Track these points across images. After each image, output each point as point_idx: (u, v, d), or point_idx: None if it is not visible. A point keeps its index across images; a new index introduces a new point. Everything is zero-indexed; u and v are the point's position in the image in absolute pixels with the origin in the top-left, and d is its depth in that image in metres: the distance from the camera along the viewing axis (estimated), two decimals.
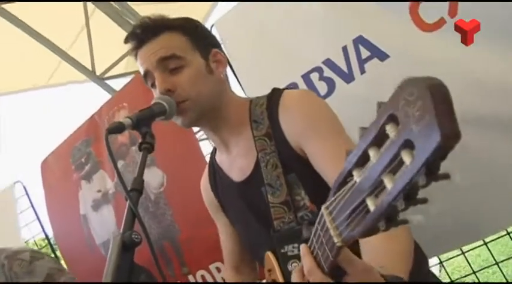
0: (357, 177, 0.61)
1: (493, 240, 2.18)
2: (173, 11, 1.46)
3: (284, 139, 1.27)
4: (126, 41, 1.38)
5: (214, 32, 2.38)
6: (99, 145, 2.88)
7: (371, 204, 0.58)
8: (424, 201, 0.55)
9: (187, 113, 1.30)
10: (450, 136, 0.46)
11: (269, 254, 1.28)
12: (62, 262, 3.16)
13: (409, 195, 0.53)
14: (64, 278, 2.04)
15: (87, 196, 2.92)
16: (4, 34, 4.56)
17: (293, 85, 2.08)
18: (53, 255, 3.67)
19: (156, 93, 1.31)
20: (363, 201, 0.60)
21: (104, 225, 2.84)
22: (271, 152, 1.28)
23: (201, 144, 2.64)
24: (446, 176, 0.51)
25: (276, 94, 1.35)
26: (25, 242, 3.77)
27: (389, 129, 0.54)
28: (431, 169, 0.49)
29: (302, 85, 2.07)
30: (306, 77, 2.07)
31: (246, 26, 2.25)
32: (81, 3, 4.61)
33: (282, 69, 2.12)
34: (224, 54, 1.44)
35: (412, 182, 0.51)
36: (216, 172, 1.50)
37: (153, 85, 1.33)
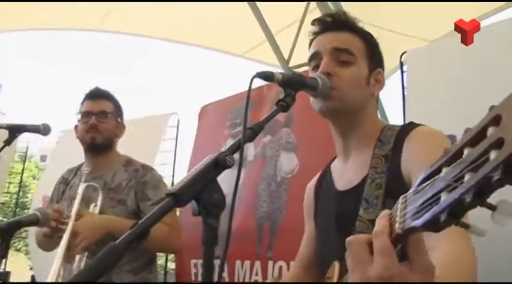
0: (443, 172, 0.62)
1: None
2: None
3: (398, 164, 1.28)
4: (313, 23, 1.50)
5: (403, 58, 2.42)
6: (257, 113, 3.01)
7: (443, 196, 0.59)
8: (492, 207, 0.54)
9: (332, 100, 1.36)
10: None
11: (336, 264, 1.29)
12: None
13: (481, 192, 0.53)
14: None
15: None
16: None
17: (451, 138, 2.02)
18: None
19: (313, 74, 1.39)
20: (437, 194, 0.60)
21: (229, 183, 2.97)
22: (381, 172, 1.30)
23: None
24: None
25: (411, 125, 1.38)
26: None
27: (490, 130, 0.55)
28: (510, 170, 0.49)
29: None
30: None
31: (433, 65, 2.25)
32: None
33: (449, 115, 2.07)
34: (383, 76, 1.49)
35: (487, 176, 0.51)
36: (325, 177, 1.56)
37: (314, 68, 1.43)
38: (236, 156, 1.02)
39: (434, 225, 0.60)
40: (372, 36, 1.50)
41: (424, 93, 2.28)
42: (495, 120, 0.54)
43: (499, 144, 0.52)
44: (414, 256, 0.72)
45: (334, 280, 1.26)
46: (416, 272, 0.71)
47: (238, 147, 1.04)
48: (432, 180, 0.64)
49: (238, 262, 2.85)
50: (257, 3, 4.68)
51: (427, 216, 0.60)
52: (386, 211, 0.76)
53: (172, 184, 4.12)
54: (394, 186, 1.26)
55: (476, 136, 0.57)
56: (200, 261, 3.07)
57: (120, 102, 2.59)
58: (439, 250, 1.05)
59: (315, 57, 1.44)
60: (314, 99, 1.40)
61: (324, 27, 1.46)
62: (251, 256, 2.80)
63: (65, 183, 2.56)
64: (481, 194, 0.53)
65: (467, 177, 0.55)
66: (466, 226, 0.58)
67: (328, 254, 1.41)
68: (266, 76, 1.20)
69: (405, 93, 2.43)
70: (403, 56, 2.42)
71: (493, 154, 0.52)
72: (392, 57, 2.53)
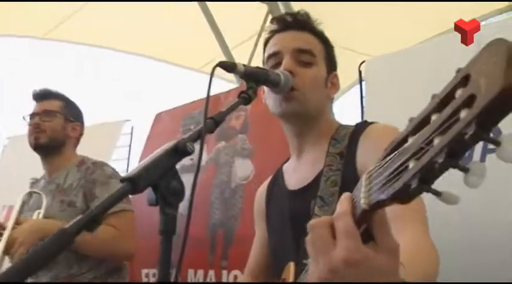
0: (409, 142, 0.60)
1: None
2: None
3: (354, 161, 1.28)
4: (272, 21, 1.49)
5: (362, 67, 2.43)
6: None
7: (411, 163, 0.55)
8: (465, 169, 0.51)
9: (293, 102, 1.35)
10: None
11: (291, 265, 1.27)
12: None
13: (454, 152, 0.50)
14: (123, 206, 2.16)
15: None
16: (186, 12, 4.79)
17: None
18: None
19: None
20: (405, 163, 0.57)
21: None
22: (336, 169, 1.29)
23: None
24: (496, 142, 0.49)
25: (365, 123, 1.38)
26: None
27: (458, 92, 0.52)
28: (484, 124, 0.47)
29: None
30: None
31: (393, 75, 2.27)
32: (265, 12, 4.77)
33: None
34: (338, 80, 1.49)
35: (461, 133, 0.48)
36: (277, 179, 1.54)
37: (273, 67, 1.40)
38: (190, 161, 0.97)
39: (403, 194, 0.56)
40: (330, 41, 1.50)
41: (384, 103, 2.28)
42: (463, 81, 0.52)
43: (469, 101, 0.49)
44: (379, 235, 0.67)
45: (290, 280, 1.23)
46: (382, 253, 0.66)
47: (198, 136, 1.00)
48: (397, 151, 0.61)
49: (190, 271, 2.77)
50: (215, 18, 4.68)
51: (395, 185, 0.57)
52: (347, 193, 0.72)
53: None
54: (350, 183, 1.22)
55: (444, 101, 0.55)
56: (152, 271, 2.97)
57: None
58: (399, 240, 1.03)
59: (275, 56, 1.41)
60: (274, 102, 1.38)
61: (284, 25, 1.45)
62: (204, 265, 2.72)
63: (29, 194, 2.45)
64: (454, 154, 0.51)
65: (437, 140, 0.53)
66: (437, 193, 0.55)
67: (283, 255, 1.38)
68: (228, 66, 1.18)
69: (364, 103, 2.44)
70: (361, 66, 2.44)
71: (463, 113, 0.49)
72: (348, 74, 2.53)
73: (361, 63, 2.43)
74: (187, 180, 2.97)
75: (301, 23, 1.44)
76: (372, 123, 1.37)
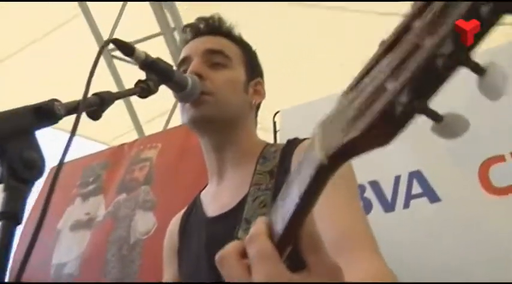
0: (381, 64, 0.43)
1: None
2: None
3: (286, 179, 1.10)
4: (185, 29, 1.34)
5: (277, 117, 2.34)
6: (112, 173, 2.76)
7: (391, 84, 0.37)
8: (481, 70, 0.36)
9: (205, 107, 1.17)
10: None
11: None
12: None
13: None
14: None
15: (73, 214, 2.72)
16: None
17: None
18: None
19: None
20: (380, 86, 0.39)
21: (71, 248, 2.60)
22: (266, 189, 1.11)
23: None
24: None
25: (297, 139, 1.22)
26: None
27: None
28: None
29: None
30: None
31: (308, 125, 2.19)
32: None
33: None
34: (264, 88, 1.34)
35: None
36: (193, 208, 1.32)
37: (184, 72, 1.22)
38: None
39: (386, 121, 0.37)
40: (250, 45, 1.35)
41: None
42: None
43: None
44: (310, 256, 0.52)
45: None
46: (317, 277, 0.51)
47: (75, 107, 0.77)
48: (361, 82, 0.45)
49: None
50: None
51: (373, 110, 0.38)
52: (261, 217, 0.57)
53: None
54: None
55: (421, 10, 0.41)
56: None
57: None
58: (355, 270, 0.85)
59: (184, 62, 1.25)
60: (183, 111, 1.20)
61: (196, 32, 1.30)
62: None
63: None
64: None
65: (430, 40, 0.38)
66: (437, 117, 0.38)
67: None
68: (124, 47, 0.97)
69: None
70: (276, 116, 2.35)
71: None
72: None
73: (276, 114, 2.34)
74: (81, 236, 2.62)
75: (214, 27, 1.30)
76: (305, 139, 1.20)
